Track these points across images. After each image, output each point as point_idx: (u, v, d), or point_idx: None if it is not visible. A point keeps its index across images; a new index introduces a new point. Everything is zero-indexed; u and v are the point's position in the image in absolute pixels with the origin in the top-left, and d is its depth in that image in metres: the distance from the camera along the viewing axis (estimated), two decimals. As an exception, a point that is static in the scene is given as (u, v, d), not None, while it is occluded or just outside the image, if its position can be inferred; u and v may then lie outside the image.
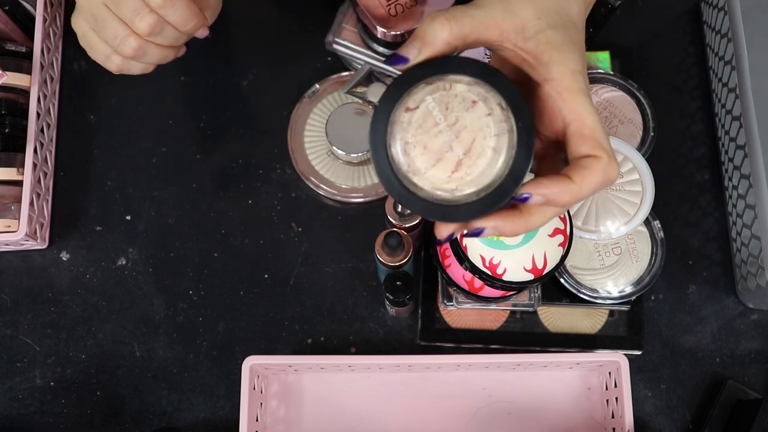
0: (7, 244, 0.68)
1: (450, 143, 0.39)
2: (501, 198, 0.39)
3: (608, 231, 0.61)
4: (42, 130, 0.70)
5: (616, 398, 0.63)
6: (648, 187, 0.61)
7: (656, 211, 0.64)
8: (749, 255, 0.65)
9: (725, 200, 0.71)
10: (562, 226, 0.53)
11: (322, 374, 0.67)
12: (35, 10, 0.71)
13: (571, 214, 0.56)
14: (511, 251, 0.52)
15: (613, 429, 0.63)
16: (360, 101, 0.71)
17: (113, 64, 0.55)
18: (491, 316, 0.68)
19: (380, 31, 0.67)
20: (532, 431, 0.66)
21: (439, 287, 0.65)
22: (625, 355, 0.62)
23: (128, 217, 0.72)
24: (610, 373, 0.64)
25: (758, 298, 0.65)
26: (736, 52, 0.65)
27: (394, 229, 0.59)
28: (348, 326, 0.69)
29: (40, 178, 0.69)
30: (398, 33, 0.67)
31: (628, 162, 0.62)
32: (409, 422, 0.66)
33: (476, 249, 0.53)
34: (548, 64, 0.42)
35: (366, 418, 0.66)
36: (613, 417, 0.64)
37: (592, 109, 0.42)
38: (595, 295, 0.63)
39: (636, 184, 0.61)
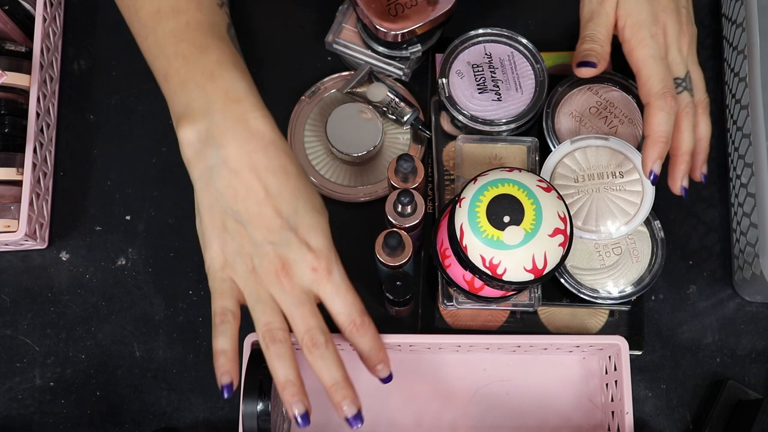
0: (6, 244, 0.68)
1: None
2: None
3: (608, 231, 0.61)
4: (41, 130, 0.70)
5: (616, 381, 0.63)
6: (648, 187, 0.61)
7: (656, 211, 0.64)
8: (747, 244, 0.65)
9: (729, 198, 0.71)
10: (562, 226, 0.53)
11: None
12: (35, 10, 0.71)
13: (572, 214, 0.56)
14: (511, 251, 0.52)
15: (612, 413, 0.63)
16: (360, 101, 0.71)
17: None
18: (491, 316, 0.68)
19: (380, 31, 0.67)
20: (530, 412, 0.66)
21: (439, 287, 0.65)
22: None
23: (128, 217, 0.72)
24: (609, 357, 0.64)
25: (753, 288, 0.65)
26: (748, 41, 0.66)
27: (394, 229, 0.59)
28: (348, 326, 0.69)
29: (39, 178, 0.69)
30: (398, 33, 0.67)
31: (628, 162, 0.62)
32: (408, 401, 0.67)
33: (476, 249, 0.53)
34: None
35: (366, 396, 0.66)
36: (612, 401, 0.64)
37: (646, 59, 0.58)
38: (595, 295, 0.63)
39: (636, 184, 0.61)
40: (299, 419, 0.53)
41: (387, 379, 0.57)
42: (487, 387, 0.67)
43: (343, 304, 0.55)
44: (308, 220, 0.54)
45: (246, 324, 0.69)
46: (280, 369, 0.54)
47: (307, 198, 0.55)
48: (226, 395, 0.55)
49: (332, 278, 0.54)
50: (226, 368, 0.55)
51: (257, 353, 0.58)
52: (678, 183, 0.59)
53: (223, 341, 0.55)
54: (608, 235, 0.61)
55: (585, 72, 0.59)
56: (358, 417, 0.55)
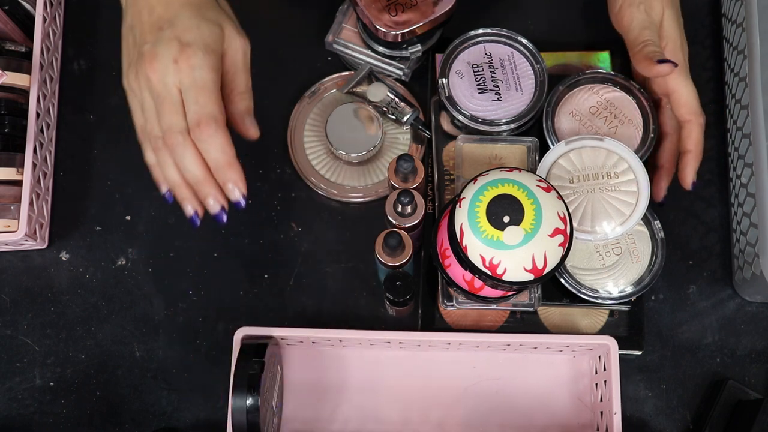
0: (6, 244, 0.68)
1: None
2: None
3: (604, 232, 0.61)
4: (42, 130, 0.70)
5: (605, 381, 0.63)
6: (643, 186, 0.61)
7: (656, 211, 0.64)
8: (747, 244, 0.65)
9: (729, 198, 0.71)
10: (562, 226, 0.53)
11: (312, 349, 0.67)
12: (35, 10, 0.71)
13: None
14: (511, 251, 0.52)
15: (601, 413, 0.64)
16: (360, 101, 0.71)
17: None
18: (491, 316, 0.68)
19: (380, 31, 0.67)
20: (519, 410, 0.67)
21: (439, 287, 0.65)
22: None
23: (128, 217, 0.72)
24: (600, 357, 0.64)
25: (753, 288, 0.65)
26: (748, 41, 0.66)
27: (394, 229, 0.59)
28: (348, 326, 0.69)
29: (39, 178, 0.69)
30: (398, 33, 0.67)
31: (623, 162, 0.62)
32: (396, 399, 0.67)
33: (476, 249, 0.53)
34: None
35: (355, 394, 0.66)
36: (601, 400, 0.64)
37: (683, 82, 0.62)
38: (595, 295, 0.63)
39: (631, 184, 0.61)
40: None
41: (219, 215, 0.56)
42: (476, 385, 0.67)
43: (195, 101, 0.52)
44: (188, 22, 0.53)
45: (236, 320, 0.69)
46: (167, 171, 0.55)
47: (199, 9, 0.54)
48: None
49: (192, 74, 0.52)
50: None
51: (247, 348, 0.59)
52: (690, 179, 0.64)
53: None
54: (604, 236, 0.61)
55: (664, 69, 0.60)
56: (200, 216, 0.56)
